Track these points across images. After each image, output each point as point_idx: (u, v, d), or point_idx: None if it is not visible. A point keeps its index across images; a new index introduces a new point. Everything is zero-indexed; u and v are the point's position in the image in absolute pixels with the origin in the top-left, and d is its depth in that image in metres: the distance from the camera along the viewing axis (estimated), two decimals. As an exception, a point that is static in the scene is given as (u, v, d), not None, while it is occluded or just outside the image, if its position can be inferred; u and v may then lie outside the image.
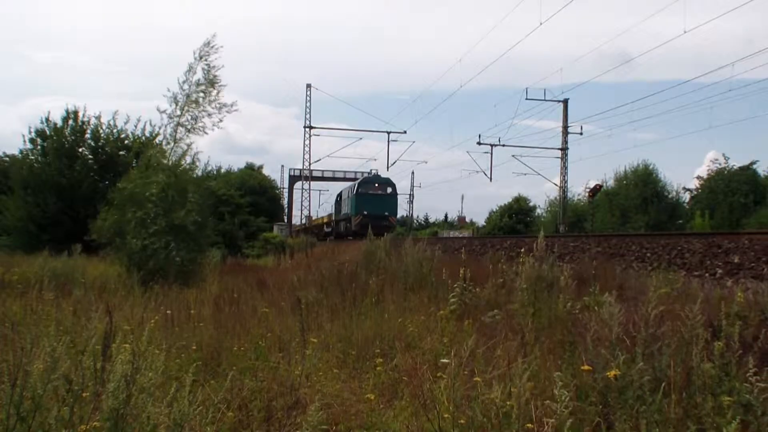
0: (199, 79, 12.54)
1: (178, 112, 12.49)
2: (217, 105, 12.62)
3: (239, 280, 10.51)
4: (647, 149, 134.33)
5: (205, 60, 12.52)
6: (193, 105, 12.46)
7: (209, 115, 12.56)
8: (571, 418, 2.55)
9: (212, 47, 12.54)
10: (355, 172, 68.40)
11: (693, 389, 2.99)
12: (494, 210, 50.88)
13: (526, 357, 4.12)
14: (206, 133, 12.68)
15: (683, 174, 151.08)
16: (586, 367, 3.14)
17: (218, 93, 12.61)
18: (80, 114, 25.59)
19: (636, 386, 2.88)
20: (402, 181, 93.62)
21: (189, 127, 12.52)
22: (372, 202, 38.70)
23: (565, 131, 34.97)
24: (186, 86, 12.54)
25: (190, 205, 11.96)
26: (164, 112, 12.66)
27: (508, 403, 2.89)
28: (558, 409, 2.53)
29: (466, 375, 3.59)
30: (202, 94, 12.46)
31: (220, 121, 12.68)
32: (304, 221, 63.46)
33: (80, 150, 25.22)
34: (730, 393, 2.86)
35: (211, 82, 12.50)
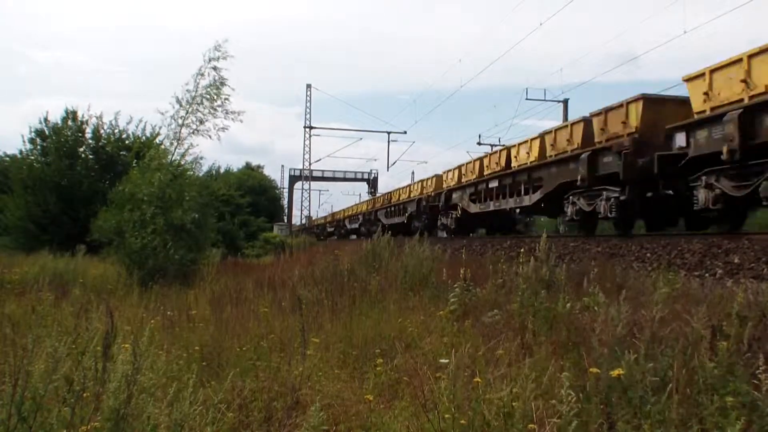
0: (207, 84, 12.53)
1: (183, 113, 12.50)
2: (224, 110, 12.63)
3: (239, 280, 10.50)
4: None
5: (213, 65, 12.49)
6: (199, 107, 12.46)
7: (214, 117, 12.57)
8: (576, 420, 2.55)
9: (222, 52, 12.50)
10: (356, 173, 68.62)
11: (696, 389, 3.00)
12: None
13: (527, 357, 4.12)
14: (210, 137, 12.70)
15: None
16: (593, 369, 3.13)
17: (225, 99, 12.60)
18: (79, 114, 25.62)
19: (639, 386, 2.89)
20: (403, 181, 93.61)
21: (193, 129, 12.53)
22: None
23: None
24: (192, 88, 12.54)
25: (186, 204, 11.97)
26: (165, 113, 12.68)
27: (512, 403, 2.89)
28: (564, 409, 2.53)
29: (467, 375, 3.59)
30: (207, 98, 12.45)
31: (224, 129, 12.70)
32: (304, 221, 63.52)
33: (80, 150, 25.20)
34: (733, 393, 2.86)
35: (218, 90, 12.48)
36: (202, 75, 12.48)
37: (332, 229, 49.42)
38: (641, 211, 12.70)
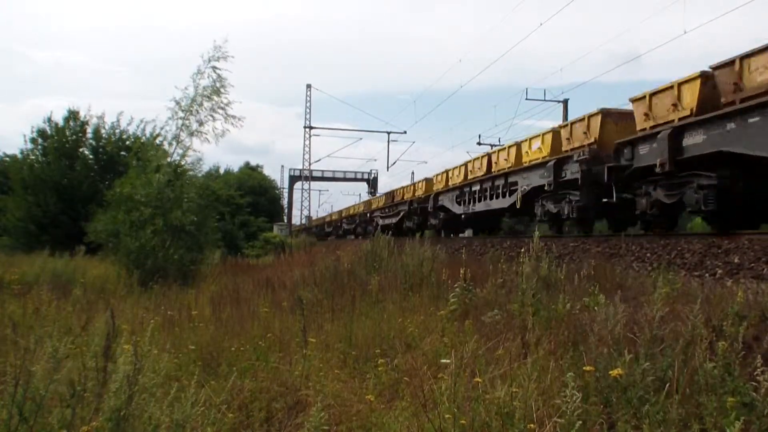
0: (206, 85, 12.45)
1: (181, 114, 12.43)
2: (224, 114, 12.49)
3: (239, 280, 10.52)
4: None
5: (213, 66, 12.39)
6: (199, 109, 12.37)
7: (214, 120, 12.45)
8: (580, 420, 2.55)
9: (222, 52, 12.41)
10: (355, 173, 68.63)
11: (696, 389, 3.00)
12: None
13: (528, 357, 4.12)
14: (208, 140, 12.59)
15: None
16: (589, 368, 3.14)
17: (227, 104, 12.46)
18: (81, 114, 25.63)
19: (639, 386, 2.89)
20: (403, 181, 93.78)
21: (192, 130, 12.44)
22: None
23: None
24: (192, 89, 12.47)
25: (185, 206, 11.94)
26: (154, 120, 12.66)
27: (512, 403, 2.89)
28: (568, 410, 2.53)
29: (467, 375, 3.59)
30: (206, 98, 12.35)
31: (223, 134, 12.58)
32: (304, 221, 63.49)
33: (81, 150, 25.22)
34: (733, 393, 2.87)
35: (217, 91, 12.38)
36: (201, 74, 12.40)
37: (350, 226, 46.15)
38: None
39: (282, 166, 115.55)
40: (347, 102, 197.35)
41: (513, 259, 9.31)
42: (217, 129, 12.44)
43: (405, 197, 30.46)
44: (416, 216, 27.81)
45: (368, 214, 39.02)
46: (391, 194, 34.49)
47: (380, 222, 34.73)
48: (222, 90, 12.42)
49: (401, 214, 30.34)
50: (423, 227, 27.58)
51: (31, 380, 2.77)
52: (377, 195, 39.53)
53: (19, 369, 2.79)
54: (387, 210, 34.08)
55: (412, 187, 29.78)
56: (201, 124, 12.42)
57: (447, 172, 24.41)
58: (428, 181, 27.12)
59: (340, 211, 52.24)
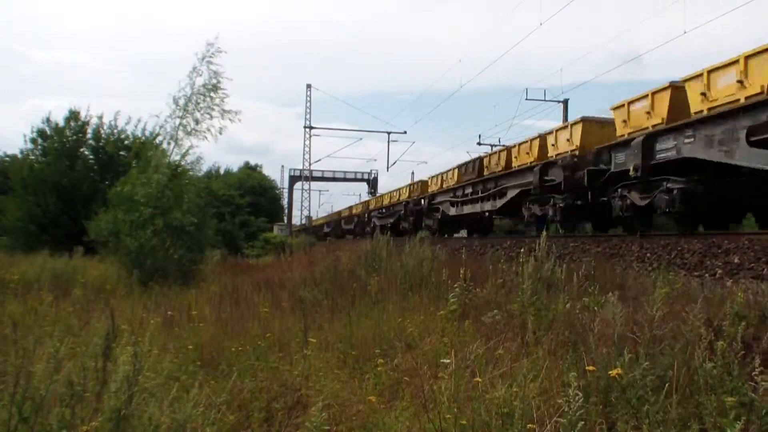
0: (204, 82, 12.46)
1: (179, 114, 12.43)
2: (221, 111, 12.48)
3: (239, 280, 10.52)
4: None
5: (208, 61, 12.41)
6: (196, 107, 12.38)
7: (211, 118, 12.45)
8: (582, 420, 2.55)
9: (215, 48, 12.44)
10: (356, 173, 68.63)
11: (695, 389, 3.00)
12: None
13: (528, 357, 4.12)
14: (206, 138, 12.60)
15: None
16: (590, 368, 3.14)
17: (222, 100, 12.47)
18: (81, 114, 25.66)
19: (639, 386, 2.89)
20: (403, 181, 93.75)
21: (190, 129, 12.44)
22: None
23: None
24: (188, 88, 12.48)
25: (185, 206, 11.94)
26: (159, 115, 12.70)
27: (512, 403, 2.89)
28: (570, 410, 2.53)
29: (467, 375, 3.59)
30: (202, 97, 12.36)
31: (220, 132, 12.57)
32: (304, 221, 63.49)
33: (81, 150, 25.24)
34: (732, 393, 2.87)
35: (215, 87, 12.40)
36: (198, 72, 12.41)
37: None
38: None
39: (282, 166, 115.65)
40: (347, 102, 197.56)
41: (513, 259, 9.30)
42: (214, 127, 12.47)
43: (515, 164, 17.80)
44: (569, 190, 14.46)
45: (423, 201, 26.01)
46: (474, 163, 21.11)
47: (451, 211, 22.57)
48: (219, 86, 12.45)
49: (509, 195, 17.98)
50: (590, 216, 15.29)
51: (31, 380, 2.77)
52: (442, 172, 24.98)
53: (19, 369, 2.79)
54: (466, 192, 21.36)
55: (526, 146, 17.26)
56: (198, 122, 12.44)
57: (652, 94, 11.75)
58: (589, 123, 14.47)
59: (367, 202, 41.76)
